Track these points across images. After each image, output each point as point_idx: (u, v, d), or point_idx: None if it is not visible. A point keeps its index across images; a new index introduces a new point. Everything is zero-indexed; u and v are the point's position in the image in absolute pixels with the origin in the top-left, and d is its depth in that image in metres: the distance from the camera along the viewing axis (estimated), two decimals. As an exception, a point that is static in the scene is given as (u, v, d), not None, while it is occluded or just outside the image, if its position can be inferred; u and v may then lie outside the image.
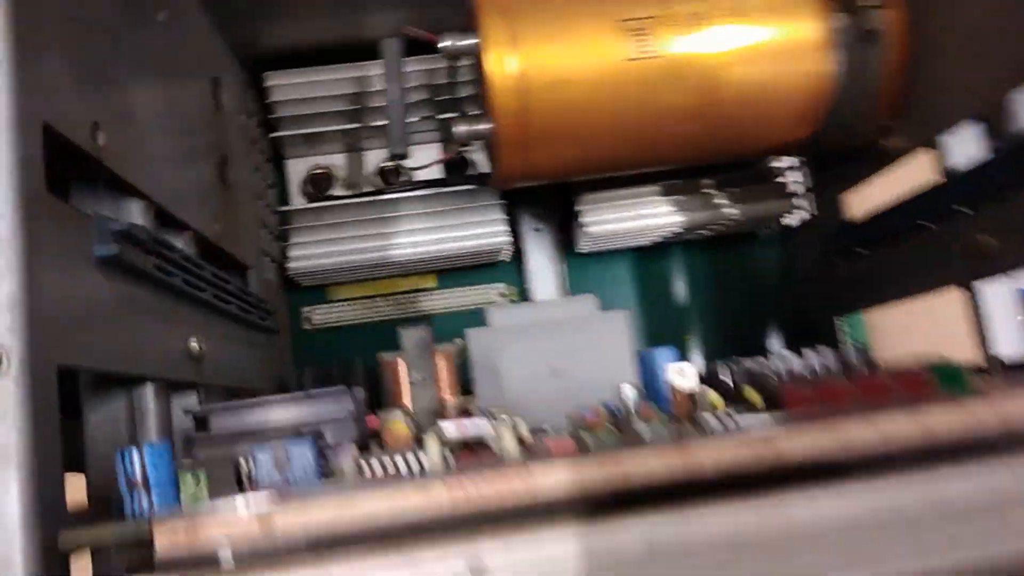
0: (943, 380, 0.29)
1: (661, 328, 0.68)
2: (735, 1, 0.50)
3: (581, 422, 0.30)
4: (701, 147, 0.54)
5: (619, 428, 0.31)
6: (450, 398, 0.40)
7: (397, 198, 0.63)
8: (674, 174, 0.63)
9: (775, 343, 0.69)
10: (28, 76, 0.28)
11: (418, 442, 0.36)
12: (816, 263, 0.66)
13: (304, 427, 0.34)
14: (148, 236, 0.35)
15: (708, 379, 0.50)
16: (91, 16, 0.35)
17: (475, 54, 0.51)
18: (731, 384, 0.46)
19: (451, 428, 0.30)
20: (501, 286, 0.68)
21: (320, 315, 0.66)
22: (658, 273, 0.70)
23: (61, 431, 0.27)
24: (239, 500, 0.25)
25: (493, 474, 0.25)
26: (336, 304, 0.67)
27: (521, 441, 0.33)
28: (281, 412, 0.34)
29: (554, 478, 0.25)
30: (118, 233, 0.32)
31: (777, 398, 0.30)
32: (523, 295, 0.68)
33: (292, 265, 0.62)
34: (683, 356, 0.66)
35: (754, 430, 0.28)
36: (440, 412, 0.37)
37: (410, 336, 0.38)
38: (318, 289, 0.67)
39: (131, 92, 0.38)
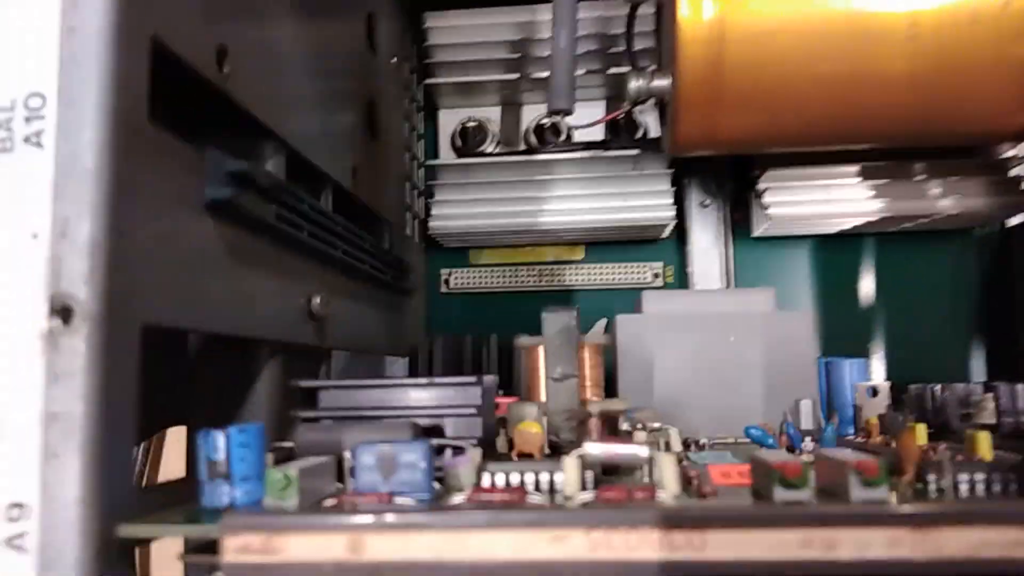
0: None
1: (840, 333, 0.59)
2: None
3: (763, 465, 0.23)
4: (917, 124, 0.45)
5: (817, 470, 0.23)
6: (595, 398, 0.34)
7: (552, 159, 0.57)
8: (879, 154, 0.53)
9: (977, 369, 0.58)
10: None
11: (552, 450, 0.30)
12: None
13: (424, 416, 0.29)
14: (270, 181, 0.30)
15: (909, 405, 0.41)
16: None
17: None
18: (949, 421, 0.37)
19: (597, 450, 0.23)
20: (657, 265, 0.61)
21: (458, 279, 0.62)
22: (843, 267, 0.60)
23: (154, 398, 0.23)
24: (330, 516, 0.21)
25: (652, 532, 0.19)
26: (476, 268, 0.62)
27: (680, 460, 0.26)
28: (400, 396, 0.30)
29: (735, 552, 0.19)
30: (235, 174, 0.27)
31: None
32: (681, 278, 0.61)
33: (435, 224, 0.57)
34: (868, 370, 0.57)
35: None
36: (580, 415, 0.31)
37: (554, 321, 0.32)
38: (459, 251, 0.62)
39: (269, 18, 0.34)
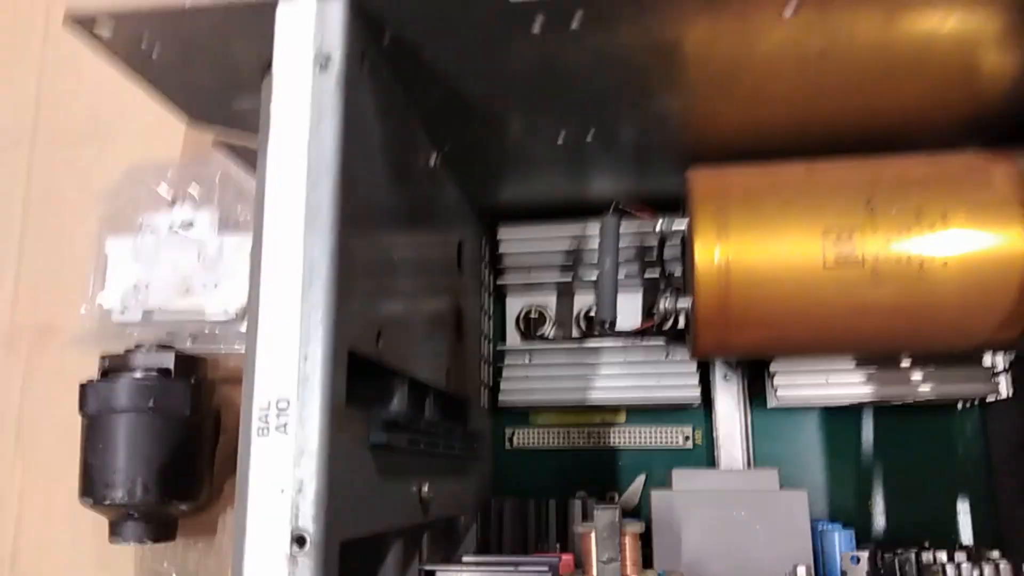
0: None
1: (845, 490, 0.70)
2: (944, 215, 0.53)
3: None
4: (897, 346, 0.57)
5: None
6: (634, 575, 0.45)
7: (599, 345, 0.70)
8: (870, 346, 0.65)
9: (965, 532, 0.67)
10: (342, 314, 0.37)
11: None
12: (1016, 447, 0.64)
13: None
14: (406, 419, 0.43)
15: (887, 571, 0.52)
16: (387, 242, 0.44)
17: (685, 237, 0.58)
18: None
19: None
20: (688, 429, 0.73)
21: (520, 437, 0.74)
22: (846, 434, 0.71)
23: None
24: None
25: None
26: (536, 428, 0.74)
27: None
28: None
29: None
30: (387, 423, 0.41)
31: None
32: (708, 440, 0.72)
33: (504, 397, 0.70)
34: (862, 531, 0.67)
35: None
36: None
37: (602, 517, 0.44)
38: (522, 413, 0.75)
39: (402, 284, 0.48)
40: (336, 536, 0.35)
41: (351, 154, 0.38)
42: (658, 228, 0.60)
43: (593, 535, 0.44)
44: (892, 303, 0.53)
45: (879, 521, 0.69)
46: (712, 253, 0.55)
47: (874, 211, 0.53)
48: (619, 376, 0.70)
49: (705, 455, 0.72)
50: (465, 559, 0.43)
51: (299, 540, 0.34)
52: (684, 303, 0.58)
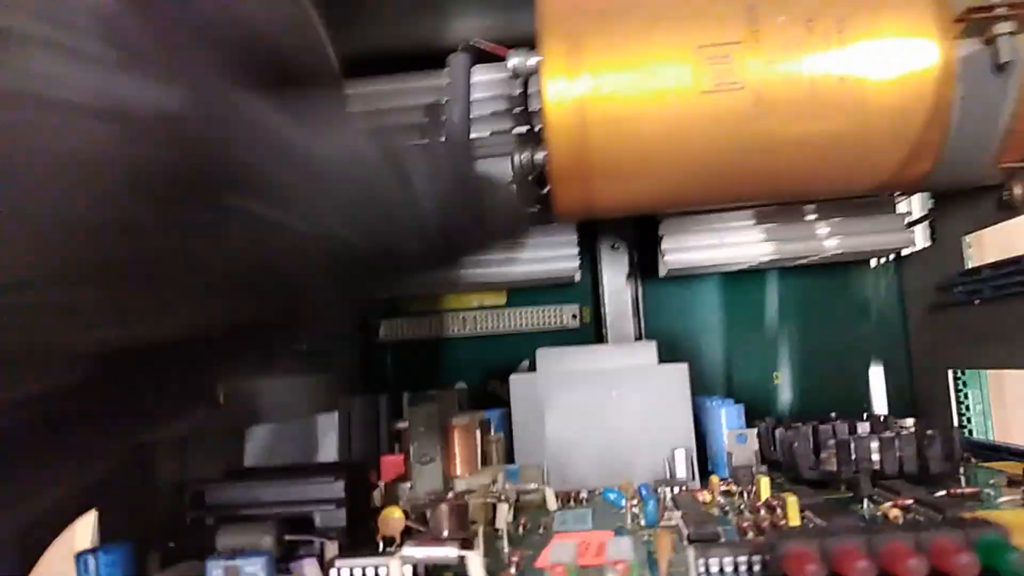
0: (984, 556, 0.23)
1: (746, 364, 0.63)
2: (840, 21, 0.43)
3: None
4: (791, 186, 0.48)
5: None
6: (464, 475, 0.37)
7: (466, 215, 0.60)
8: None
9: (878, 394, 0.61)
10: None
11: (407, 533, 0.34)
12: (931, 306, 0.58)
13: (292, 510, 0.33)
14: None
15: (780, 447, 0.45)
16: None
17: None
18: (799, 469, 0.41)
19: (416, 553, 0.27)
20: (574, 307, 0.64)
21: (389, 329, 0.65)
22: (746, 302, 0.63)
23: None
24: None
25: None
26: (407, 318, 0.65)
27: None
28: (274, 491, 0.33)
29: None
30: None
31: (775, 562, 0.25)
32: (597, 316, 0.64)
33: (356, 282, 0.61)
34: (766, 408, 0.61)
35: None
36: (441, 496, 0.34)
37: (417, 414, 0.35)
38: (392, 302, 0.66)
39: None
40: None
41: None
42: (510, 64, 0.49)
43: (410, 433, 0.36)
44: (781, 133, 0.44)
45: (784, 396, 0.62)
46: (563, 86, 0.45)
47: (757, 21, 0.43)
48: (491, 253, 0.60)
49: (594, 334, 0.64)
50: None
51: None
52: (541, 153, 0.49)
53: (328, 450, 0.54)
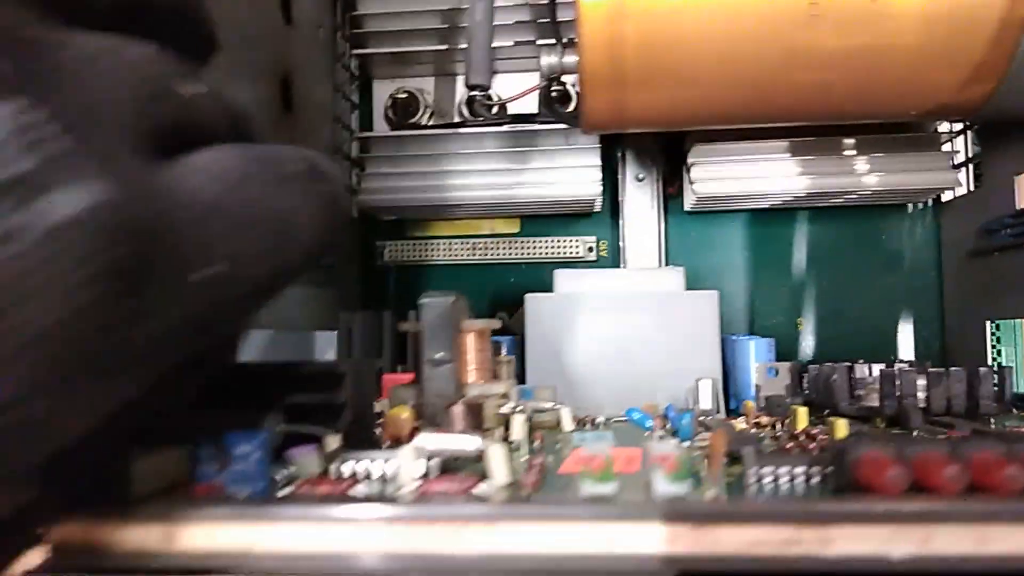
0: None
1: (771, 307, 0.59)
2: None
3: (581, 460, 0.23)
4: (840, 103, 0.44)
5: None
6: (478, 381, 0.34)
7: (485, 132, 0.56)
8: (807, 129, 0.53)
9: (908, 344, 0.58)
10: None
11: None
12: (972, 252, 0.54)
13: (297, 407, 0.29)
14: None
15: (813, 384, 0.42)
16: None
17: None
18: (838, 403, 0.38)
19: (430, 442, 0.24)
20: (592, 239, 0.61)
21: (392, 252, 0.62)
22: (776, 242, 0.60)
23: None
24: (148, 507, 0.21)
25: (448, 524, 0.20)
26: (411, 241, 0.62)
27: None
28: (273, 375, 0.30)
29: (515, 539, 0.19)
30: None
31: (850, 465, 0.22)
32: (616, 252, 0.61)
33: (363, 197, 0.57)
34: (790, 352, 0.58)
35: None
36: (452, 400, 0.31)
37: (431, 308, 0.32)
38: (397, 224, 0.62)
39: None
40: None
41: None
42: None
43: (422, 331, 0.33)
44: (836, 46, 0.41)
45: (807, 343, 0.59)
46: (604, -21, 0.41)
47: (820, -87, 0.39)
48: (508, 171, 0.57)
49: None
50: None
51: None
52: (572, 58, 0.45)
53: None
